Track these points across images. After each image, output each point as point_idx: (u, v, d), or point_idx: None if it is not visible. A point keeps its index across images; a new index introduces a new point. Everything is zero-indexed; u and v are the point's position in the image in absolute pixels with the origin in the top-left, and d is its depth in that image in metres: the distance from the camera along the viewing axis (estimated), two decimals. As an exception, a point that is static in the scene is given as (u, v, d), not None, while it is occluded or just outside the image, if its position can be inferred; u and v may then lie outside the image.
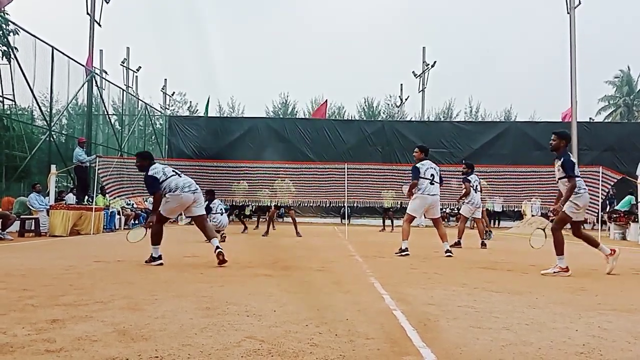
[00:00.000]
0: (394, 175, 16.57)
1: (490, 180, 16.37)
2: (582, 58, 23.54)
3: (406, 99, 39.43)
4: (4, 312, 3.79)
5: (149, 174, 7.28)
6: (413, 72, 34.50)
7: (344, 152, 26.95)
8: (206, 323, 3.58)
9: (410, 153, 14.68)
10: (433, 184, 9.03)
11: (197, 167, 17.93)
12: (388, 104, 49.66)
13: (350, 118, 47.29)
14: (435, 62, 33.06)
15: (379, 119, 42.46)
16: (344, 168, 15.28)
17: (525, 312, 4.25)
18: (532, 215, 21.97)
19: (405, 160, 23.85)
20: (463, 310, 4.25)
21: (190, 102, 49.68)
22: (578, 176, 6.96)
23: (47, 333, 3.22)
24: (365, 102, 51.80)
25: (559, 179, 7.08)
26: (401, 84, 39.82)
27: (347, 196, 15.03)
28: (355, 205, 16.95)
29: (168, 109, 38.53)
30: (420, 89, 34.25)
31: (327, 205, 16.63)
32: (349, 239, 13.97)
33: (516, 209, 21.22)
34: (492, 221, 26.82)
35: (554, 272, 6.85)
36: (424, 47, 34.15)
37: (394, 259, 8.53)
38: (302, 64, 71.21)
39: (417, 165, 9.12)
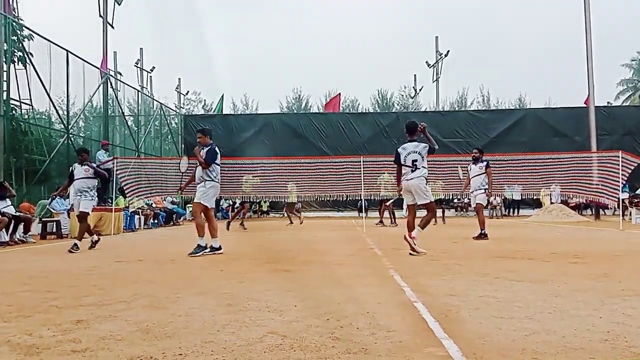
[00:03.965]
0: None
1: (509, 168, 16.21)
2: (598, 42, 23.21)
3: (420, 90, 39.23)
4: (29, 314, 3.85)
5: (215, 149, 8.32)
6: (426, 62, 34.31)
7: (360, 145, 26.91)
8: (228, 320, 3.60)
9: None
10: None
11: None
12: (402, 95, 49.43)
13: (364, 111, 47.13)
14: (448, 51, 32.83)
15: (394, 111, 42.25)
16: (360, 161, 15.26)
17: (548, 300, 4.22)
18: (552, 203, 21.76)
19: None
20: (484, 300, 4.23)
21: (205, 100, 49.92)
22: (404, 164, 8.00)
23: (72, 333, 3.27)
24: (379, 94, 51.59)
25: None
26: (415, 75, 39.67)
27: (364, 189, 15.01)
28: (372, 198, 16.87)
29: (183, 108, 38.77)
30: (434, 79, 34.04)
31: (344, 199, 16.59)
32: (367, 232, 13.96)
33: (535, 197, 21.04)
34: (511, 209, 26.67)
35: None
36: (436, 37, 33.98)
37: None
38: (314, 57, 71.05)
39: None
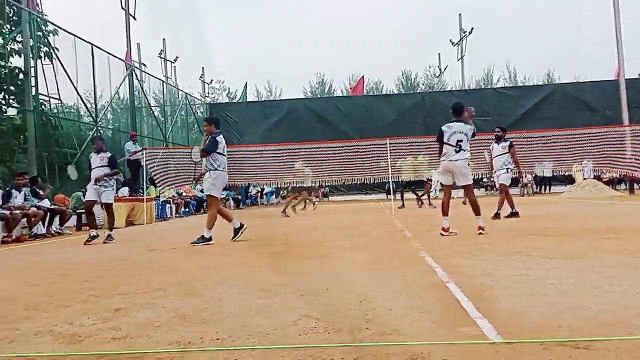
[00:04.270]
0: (428, 148, 16.21)
1: (539, 145, 15.93)
2: (627, 13, 22.57)
3: (445, 69, 38.71)
4: (69, 304, 3.97)
5: (216, 138, 8.24)
6: (450, 40, 33.78)
7: (385, 127, 26.70)
8: (261, 304, 3.66)
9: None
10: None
11: (241, 153, 18.18)
12: (427, 75, 48.87)
13: (388, 92, 46.76)
14: (472, 28, 32.26)
15: (419, 91, 41.82)
16: (386, 143, 15.18)
17: (581, 276, 4.17)
18: (584, 179, 21.34)
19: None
20: (517, 278, 4.20)
21: (229, 88, 50.16)
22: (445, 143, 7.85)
23: (111, 321, 3.35)
24: (403, 75, 51.14)
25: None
26: (439, 54, 39.10)
27: (391, 171, 14.94)
28: (399, 180, 16.78)
29: (208, 96, 39.01)
30: (459, 57, 33.52)
31: (372, 181, 16.56)
32: (396, 214, 13.93)
33: (567, 173, 20.65)
34: (542, 187, 26.25)
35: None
36: (460, 14, 33.35)
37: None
38: (336, 41, 70.61)
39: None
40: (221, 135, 8.45)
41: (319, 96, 46.92)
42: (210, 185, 8.25)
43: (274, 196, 28.03)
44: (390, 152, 15.08)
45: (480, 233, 7.60)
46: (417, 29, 68.67)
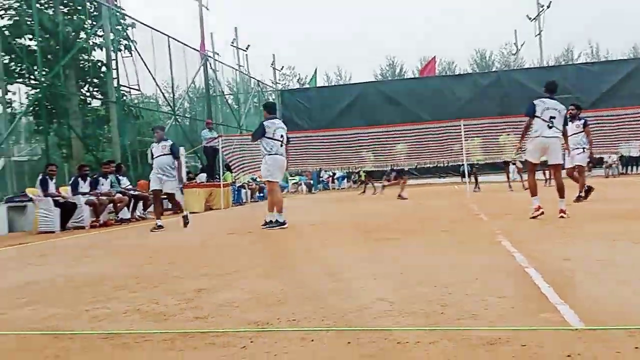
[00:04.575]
0: (515, 128, 15.60)
1: (624, 123, 15.00)
2: None
3: (522, 46, 37.13)
4: (155, 285, 4.18)
5: (263, 123, 8.42)
6: (527, 15, 32.31)
7: (459, 108, 25.98)
8: (336, 287, 3.70)
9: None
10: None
11: (312, 138, 18.33)
12: (502, 53, 47.12)
13: (462, 72, 45.50)
14: (550, 2, 30.66)
15: (494, 70, 40.40)
16: (460, 125, 14.81)
17: (675, 263, 3.93)
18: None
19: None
20: (601, 264, 4.02)
21: (299, 74, 50.53)
22: (539, 117, 7.42)
23: (194, 302, 3.51)
24: (477, 54, 49.59)
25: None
26: (515, 30, 37.53)
27: (466, 154, 14.58)
28: (475, 162, 16.32)
29: (279, 83, 39.52)
30: (537, 33, 32.04)
31: (445, 164, 16.23)
32: (472, 197, 13.62)
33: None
34: (629, 167, 24.78)
35: (531, 214, 7.41)
36: (536, -13, 31.77)
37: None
38: (406, 20, 69.36)
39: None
40: (272, 120, 8.53)
41: (389, 78, 46.36)
42: (266, 171, 8.40)
43: (345, 180, 28.11)
44: (464, 134, 14.70)
45: (562, 216, 7.29)
46: (491, 5, 66.26)
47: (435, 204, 12.22)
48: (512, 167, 17.20)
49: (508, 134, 15.23)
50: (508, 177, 16.77)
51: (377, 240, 6.25)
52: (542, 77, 25.83)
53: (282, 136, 8.43)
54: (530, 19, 32.21)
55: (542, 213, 7.37)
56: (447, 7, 69.17)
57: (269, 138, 8.38)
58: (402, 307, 3.06)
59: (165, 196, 10.00)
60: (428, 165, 17.29)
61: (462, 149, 14.73)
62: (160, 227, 9.14)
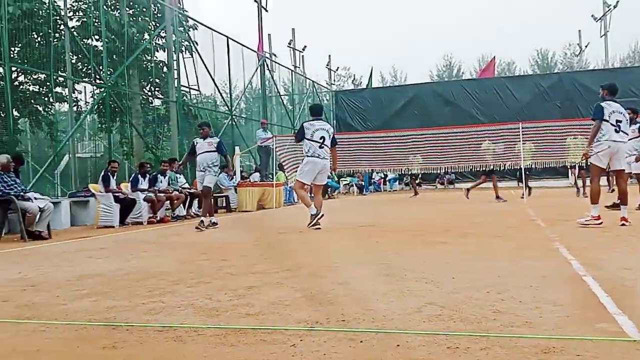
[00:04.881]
0: (578, 132, 15.00)
1: None
2: None
3: (586, 46, 35.78)
4: (209, 281, 4.28)
5: (303, 124, 8.68)
6: (592, 15, 31.12)
7: (518, 110, 25.26)
8: (386, 289, 3.68)
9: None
10: None
11: (364, 139, 18.30)
12: (565, 54, 45.57)
13: (522, 73, 44.28)
14: (617, 1, 29.42)
15: (556, 71, 39.11)
16: (518, 128, 14.42)
17: None
18: None
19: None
20: (666, 275, 3.83)
21: (354, 75, 50.51)
22: (607, 121, 7.14)
23: (245, 298, 3.57)
24: (538, 55, 48.22)
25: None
26: (579, 30, 36.21)
27: (524, 157, 14.17)
28: (533, 166, 15.82)
29: (334, 84, 39.61)
30: (602, 33, 30.81)
31: (502, 168, 15.82)
32: (528, 202, 13.25)
33: None
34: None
35: (585, 221, 7.14)
36: (603, -15, 30.57)
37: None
38: (464, 19, 68.14)
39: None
40: (312, 122, 8.64)
41: (446, 80, 45.66)
42: (299, 171, 8.65)
43: (397, 182, 27.89)
44: (523, 137, 14.30)
45: (623, 224, 7.03)
46: (553, 5, 64.15)
47: (489, 209, 11.95)
48: (570, 172, 16.56)
49: (575, 137, 14.66)
50: (576, 182, 16.12)
51: (429, 244, 6.19)
52: (607, 79, 24.67)
53: (322, 138, 8.46)
54: (595, 19, 31.02)
55: (601, 224, 7.06)
56: (507, 5, 67.53)
57: (308, 139, 8.50)
58: (453, 312, 3.02)
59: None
60: (484, 169, 16.91)
61: (520, 152, 14.32)
62: (214, 224, 9.33)
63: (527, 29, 63.69)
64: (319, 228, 8.15)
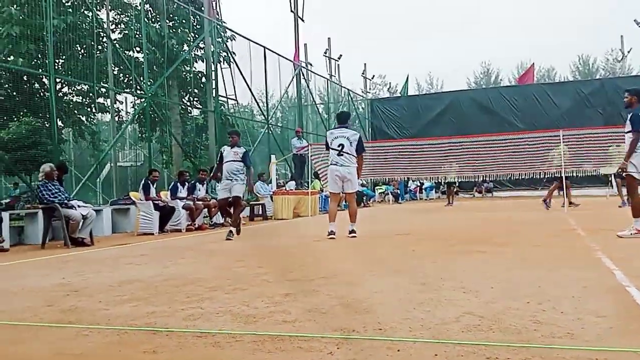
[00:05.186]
0: (621, 140, 14.47)
1: None
2: None
3: (629, 52, 34.78)
4: (246, 287, 4.32)
5: (327, 133, 8.68)
6: (635, 20, 30.26)
7: (558, 118, 24.72)
8: (423, 298, 3.65)
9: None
10: None
11: (399, 147, 18.21)
12: (607, 60, 44.45)
13: (562, 80, 43.37)
14: (663, 4, 28.54)
15: (597, 77, 38.16)
16: (559, 135, 14.09)
17: None
18: None
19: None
20: None
21: (390, 83, 50.31)
22: None
23: (282, 305, 3.59)
24: (579, 61, 47.18)
25: (625, 133, 7.13)
26: (621, 36, 35.24)
27: (565, 165, 13.83)
28: (574, 174, 15.40)
29: (369, 92, 39.56)
30: (646, 37, 29.91)
31: (542, 176, 15.49)
32: (569, 211, 12.93)
33: None
34: None
35: (631, 234, 6.78)
36: (647, -11, 29.76)
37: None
38: (503, 27, 67.24)
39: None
40: (332, 130, 8.80)
41: (483, 87, 45.08)
42: (326, 182, 8.51)
43: (433, 191, 27.61)
44: (563, 144, 13.97)
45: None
46: (594, 10, 62.74)
47: (528, 217, 11.72)
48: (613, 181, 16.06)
49: (618, 145, 14.20)
50: (619, 191, 15.59)
51: (466, 253, 6.10)
52: (652, 84, 24.20)
53: (340, 145, 8.39)
54: (638, 24, 30.15)
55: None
56: (547, 11, 66.35)
57: (329, 148, 8.58)
58: (492, 322, 2.97)
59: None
60: (523, 177, 16.60)
61: (561, 160, 13.99)
62: (231, 232, 8.91)
63: (566, 34, 62.49)
64: (354, 237, 8.15)
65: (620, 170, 7.16)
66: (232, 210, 9.47)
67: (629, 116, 7.09)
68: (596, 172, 15.43)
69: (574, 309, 3.21)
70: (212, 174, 10.62)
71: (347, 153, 8.39)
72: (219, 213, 12.38)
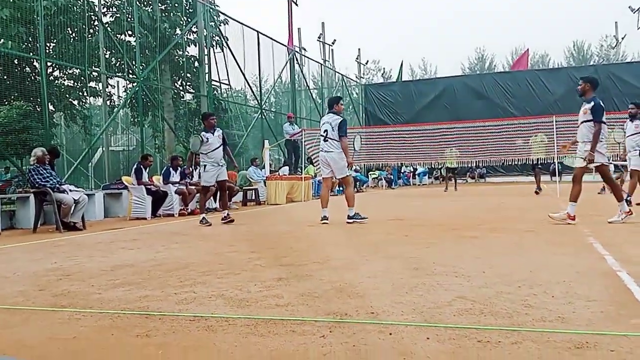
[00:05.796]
0: (613, 125, 14.57)
1: None
2: None
3: (623, 38, 34.77)
4: (238, 272, 4.33)
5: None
6: (629, 7, 30.21)
7: (551, 104, 24.77)
8: (416, 282, 3.67)
9: (632, 98, 13.06)
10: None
11: (393, 133, 18.20)
12: (602, 46, 44.43)
13: (556, 66, 43.37)
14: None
15: (591, 64, 38.17)
16: (552, 121, 14.12)
17: None
18: None
19: (626, 107, 21.03)
20: None
21: (384, 68, 50.21)
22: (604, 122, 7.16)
23: (275, 290, 3.60)
24: (574, 47, 47.13)
25: (580, 122, 7.30)
26: (616, 22, 35.21)
27: (557, 151, 13.88)
28: (546, 162, 15.43)
29: (363, 78, 39.41)
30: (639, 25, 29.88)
31: (535, 162, 15.55)
32: (561, 197, 12.99)
33: None
34: None
35: (621, 219, 7.01)
36: (641, -25, 29.65)
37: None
38: (497, 12, 67.00)
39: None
40: (324, 116, 8.85)
41: (477, 72, 45.01)
42: (317, 167, 8.58)
43: (426, 176, 27.68)
44: (556, 131, 14.01)
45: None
46: (589, -4, 62.61)
47: (521, 203, 11.77)
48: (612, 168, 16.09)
49: (613, 130, 14.26)
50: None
51: (459, 238, 6.13)
52: (645, 71, 24.24)
53: (325, 131, 8.50)
54: (632, 10, 30.12)
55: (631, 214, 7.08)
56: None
57: (320, 135, 8.67)
58: (483, 306, 2.99)
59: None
60: (515, 163, 16.66)
61: (553, 146, 14.03)
62: (208, 223, 8.81)
63: (561, 20, 62.38)
64: (351, 223, 8.15)
65: (588, 161, 7.09)
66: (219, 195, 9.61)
67: (590, 106, 7.17)
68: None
69: (565, 293, 3.23)
70: (190, 165, 10.39)
71: (331, 138, 8.43)
72: (211, 198, 12.34)
